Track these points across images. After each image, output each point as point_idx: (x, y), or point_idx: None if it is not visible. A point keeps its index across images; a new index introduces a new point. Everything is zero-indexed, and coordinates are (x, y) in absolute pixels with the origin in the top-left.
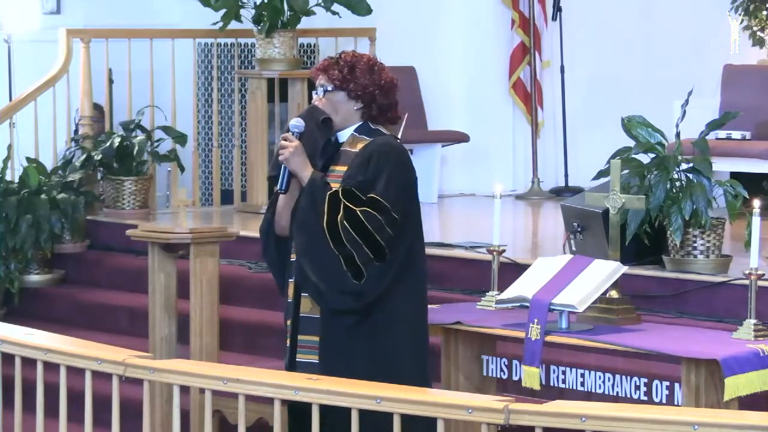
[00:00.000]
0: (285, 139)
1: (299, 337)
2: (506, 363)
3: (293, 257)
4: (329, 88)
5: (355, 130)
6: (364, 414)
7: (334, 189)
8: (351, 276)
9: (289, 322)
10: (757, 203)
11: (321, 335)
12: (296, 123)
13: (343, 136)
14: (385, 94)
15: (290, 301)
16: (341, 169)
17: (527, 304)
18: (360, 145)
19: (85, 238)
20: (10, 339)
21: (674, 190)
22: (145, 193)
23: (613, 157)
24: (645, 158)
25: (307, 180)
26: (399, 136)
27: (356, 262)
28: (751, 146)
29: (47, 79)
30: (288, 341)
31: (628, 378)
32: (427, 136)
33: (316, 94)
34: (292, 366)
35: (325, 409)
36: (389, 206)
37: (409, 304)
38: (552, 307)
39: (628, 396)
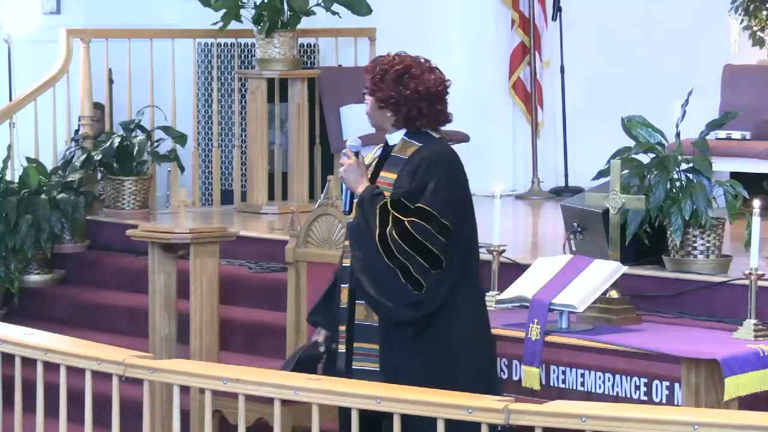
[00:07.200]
0: (344, 155)
1: (355, 344)
2: (506, 363)
3: (347, 262)
4: (365, 92)
5: (405, 135)
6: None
7: (383, 201)
8: (411, 287)
9: (342, 328)
10: (757, 203)
11: (381, 343)
12: (353, 142)
13: (393, 139)
14: (413, 104)
15: (344, 307)
16: (390, 176)
17: (527, 304)
18: (410, 151)
19: (85, 238)
20: (10, 339)
21: (674, 190)
22: (145, 193)
23: (613, 157)
24: (645, 158)
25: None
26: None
27: (413, 273)
28: (751, 146)
29: (47, 79)
30: (342, 347)
31: (628, 378)
32: None
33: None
34: (349, 373)
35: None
36: (437, 214)
37: (468, 309)
38: (552, 307)
39: (628, 396)
